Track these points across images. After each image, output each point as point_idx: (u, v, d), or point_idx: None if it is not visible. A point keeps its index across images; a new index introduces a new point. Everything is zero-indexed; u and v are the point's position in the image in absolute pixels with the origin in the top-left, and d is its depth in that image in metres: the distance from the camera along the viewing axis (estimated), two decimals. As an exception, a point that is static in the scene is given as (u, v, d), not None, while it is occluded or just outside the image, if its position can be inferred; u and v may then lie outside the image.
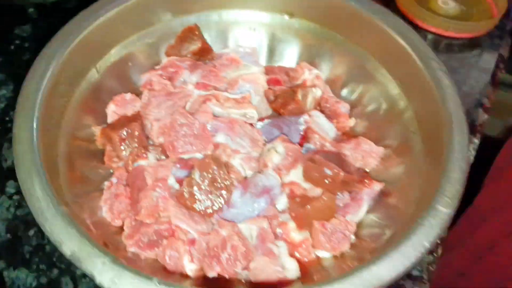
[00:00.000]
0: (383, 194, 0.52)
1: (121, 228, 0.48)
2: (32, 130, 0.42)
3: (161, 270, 0.46)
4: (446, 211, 0.38)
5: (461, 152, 0.42)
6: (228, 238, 0.45)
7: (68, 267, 0.50)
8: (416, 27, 0.77)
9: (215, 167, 0.48)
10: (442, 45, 0.76)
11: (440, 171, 0.42)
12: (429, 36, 0.77)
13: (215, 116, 0.53)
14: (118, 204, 0.48)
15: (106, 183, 0.51)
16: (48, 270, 0.50)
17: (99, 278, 0.34)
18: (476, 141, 0.64)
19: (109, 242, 0.45)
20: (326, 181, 0.49)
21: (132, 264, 0.44)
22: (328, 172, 0.49)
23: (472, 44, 0.77)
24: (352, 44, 0.58)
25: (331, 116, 0.59)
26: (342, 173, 0.49)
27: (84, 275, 0.49)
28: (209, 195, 0.47)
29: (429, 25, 0.77)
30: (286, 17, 0.61)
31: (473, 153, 0.63)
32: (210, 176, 0.48)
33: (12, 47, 0.71)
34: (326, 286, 0.35)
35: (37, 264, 0.50)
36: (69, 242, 0.35)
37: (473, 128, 0.65)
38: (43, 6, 0.75)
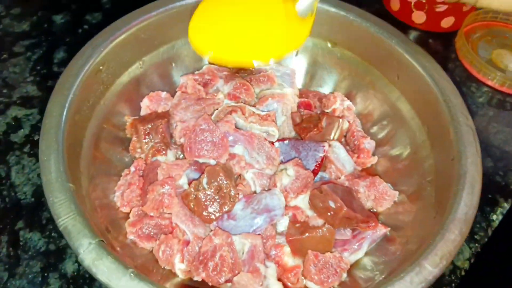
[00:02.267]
0: (386, 239, 0.51)
1: (127, 215, 0.51)
2: (64, 108, 0.46)
3: (153, 263, 0.48)
4: (432, 270, 0.37)
5: (465, 214, 0.41)
6: (219, 247, 0.46)
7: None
8: (471, 77, 0.74)
9: (222, 176, 0.49)
10: (495, 100, 0.73)
11: (439, 228, 0.40)
12: (484, 89, 0.74)
13: (237, 127, 0.55)
14: (129, 192, 0.51)
15: (126, 171, 0.54)
16: (58, 238, 0.54)
17: (81, 256, 0.36)
18: (507, 205, 0.60)
19: (111, 226, 0.48)
20: (329, 214, 0.49)
21: (127, 250, 0.47)
22: (332, 204, 0.49)
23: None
24: (389, 82, 0.58)
25: (354, 150, 0.58)
26: (345, 209, 0.48)
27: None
28: (213, 202, 0.49)
29: (485, 77, 0.74)
30: (329, 45, 0.62)
31: (500, 217, 0.59)
32: (216, 184, 0.49)
33: (80, 30, 0.78)
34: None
35: (50, 231, 0.54)
36: (65, 217, 0.38)
37: (505, 191, 0.62)
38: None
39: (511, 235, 0.64)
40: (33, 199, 0.57)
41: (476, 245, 0.57)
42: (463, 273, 0.55)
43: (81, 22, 0.78)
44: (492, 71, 0.73)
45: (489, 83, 0.74)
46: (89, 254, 0.36)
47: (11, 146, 0.62)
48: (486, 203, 0.60)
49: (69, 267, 0.52)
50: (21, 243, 0.53)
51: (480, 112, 0.71)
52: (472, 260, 0.56)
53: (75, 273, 0.51)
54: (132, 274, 0.36)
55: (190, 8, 0.58)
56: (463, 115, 0.48)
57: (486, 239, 0.57)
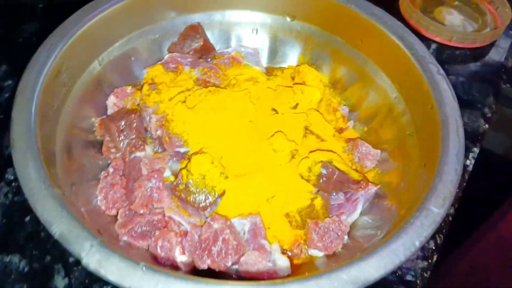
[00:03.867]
0: (378, 196, 0.52)
1: (115, 218, 0.49)
2: (31, 114, 0.42)
3: (152, 261, 0.46)
4: (438, 211, 0.38)
5: (456, 155, 0.42)
6: (220, 231, 0.45)
7: (61, 254, 0.50)
8: (419, 35, 0.77)
9: (211, 162, 0.48)
10: (445, 55, 0.76)
11: (434, 172, 0.42)
12: (433, 46, 0.77)
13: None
14: (113, 194, 0.49)
15: (103, 173, 0.51)
16: (42, 256, 0.50)
17: (86, 260, 0.34)
18: (476, 149, 0.64)
19: (103, 231, 0.45)
20: (321, 180, 0.49)
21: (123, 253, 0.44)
22: (323, 171, 0.49)
23: (475, 54, 0.77)
24: (352, 47, 0.59)
25: (330, 117, 0.59)
26: (337, 172, 0.49)
27: (77, 263, 0.49)
28: (204, 188, 0.48)
29: (432, 34, 0.77)
30: (288, 19, 0.62)
31: (472, 161, 0.62)
32: (204, 169, 0.48)
33: (20, 39, 0.72)
34: (314, 280, 0.35)
35: (31, 250, 0.50)
36: (59, 223, 0.35)
37: (474, 137, 0.65)
38: (51, 4, 0.76)
39: (486, 174, 0.68)
40: (4, 220, 0.52)
41: (457, 190, 0.59)
42: (450, 218, 0.57)
43: (18, 32, 0.73)
44: (439, 28, 0.76)
45: (437, 39, 0.77)
46: (93, 256, 0.34)
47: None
48: (458, 151, 0.63)
49: (59, 283, 0.48)
50: (0, 269, 0.49)
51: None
52: (456, 205, 0.58)
53: (68, 288, 0.48)
54: (144, 268, 0.34)
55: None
56: (433, 65, 0.50)
57: (464, 184, 0.60)
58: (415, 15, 0.78)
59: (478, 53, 0.78)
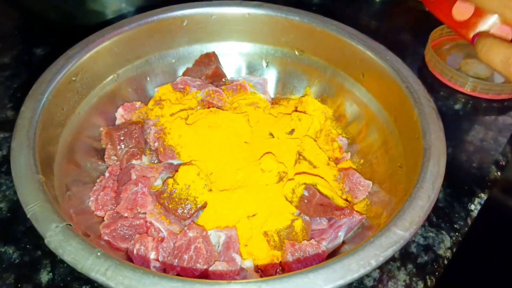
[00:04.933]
0: (363, 226, 0.51)
1: (102, 219, 0.51)
2: (37, 111, 0.47)
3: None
4: (402, 234, 0.37)
5: (432, 183, 0.41)
6: (194, 239, 0.46)
7: (51, 251, 0.52)
8: (444, 85, 0.77)
9: (197, 173, 0.50)
10: (468, 104, 0.75)
11: (408, 197, 0.41)
12: (457, 95, 0.76)
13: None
14: (103, 195, 0.51)
15: (100, 177, 0.54)
16: (33, 250, 0.53)
17: (48, 239, 0.36)
18: (484, 195, 0.61)
19: (89, 231, 0.48)
20: (304, 201, 0.49)
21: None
22: (305, 192, 0.49)
23: (501, 106, 0.75)
24: (355, 81, 0.60)
25: (328, 147, 0.59)
26: (318, 195, 0.49)
27: (62, 261, 0.51)
28: (187, 198, 0.49)
29: (456, 84, 0.76)
30: (297, 53, 0.65)
31: (478, 207, 0.59)
32: (190, 180, 0.50)
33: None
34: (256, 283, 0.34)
35: (26, 244, 0.53)
36: (33, 205, 0.38)
37: (482, 183, 0.62)
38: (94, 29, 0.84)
39: (491, 224, 0.64)
40: (9, 214, 0.56)
41: (457, 234, 0.56)
42: (445, 262, 0.54)
43: (60, 54, 0.81)
44: (463, 77, 0.75)
45: (461, 89, 0.76)
46: (55, 236, 0.36)
47: (-11, 166, 0.62)
48: (464, 194, 0.61)
49: (43, 277, 0.50)
50: (-6, 257, 0.52)
51: (453, 114, 0.73)
52: (454, 249, 0.55)
53: (50, 283, 0.50)
54: (99, 253, 0.35)
55: (162, 23, 0.61)
56: (425, 98, 0.50)
57: (466, 229, 0.57)
58: (439, 64, 0.78)
59: (505, 105, 0.75)
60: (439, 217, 0.58)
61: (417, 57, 0.84)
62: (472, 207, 0.59)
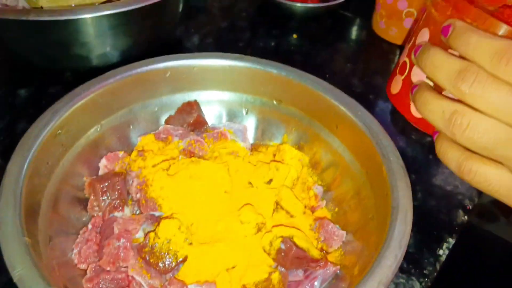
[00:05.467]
0: (337, 277, 0.53)
1: (85, 272, 0.52)
2: (23, 168, 0.48)
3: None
4: (370, 295, 0.40)
5: (399, 241, 0.44)
6: (173, 294, 0.47)
7: None
8: (415, 129, 0.81)
9: (178, 227, 0.52)
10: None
11: (376, 257, 0.44)
12: (428, 139, 0.80)
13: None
14: (86, 249, 0.53)
15: (84, 228, 0.56)
16: None
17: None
18: (451, 240, 0.64)
19: (70, 284, 0.49)
20: (281, 254, 0.52)
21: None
22: (282, 246, 0.52)
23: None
24: (330, 132, 0.63)
25: (304, 196, 0.62)
26: (294, 249, 0.51)
27: None
28: (168, 252, 0.51)
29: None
30: (275, 102, 0.68)
31: (446, 252, 0.63)
32: (172, 234, 0.52)
33: (44, 102, 0.82)
34: None
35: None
36: (20, 269, 0.39)
37: (450, 228, 0.66)
38: (79, 71, 0.86)
39: (459, 267, 0.68)
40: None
41: (426, 279, 0.59)
42: (415, 308, 0.57)
43: (44, 95, 0.83)
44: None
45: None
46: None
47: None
48: (433, 239, 0.64)
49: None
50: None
51: (423, 158, 0.77)
52: (424, 296, 0.58)
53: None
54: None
55: (146, 74, 0.63)
56: (394, 155, 0.53)
57: (435, 274, 0.60)
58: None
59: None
60: (409, 263, 0.61)
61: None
62: (441, 252, 0.63)
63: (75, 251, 0.53)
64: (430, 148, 0.79)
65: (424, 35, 0.59)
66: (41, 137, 0.52)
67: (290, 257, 0.51)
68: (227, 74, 0.67)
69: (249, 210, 0.55)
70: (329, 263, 0.53)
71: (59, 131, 0.55)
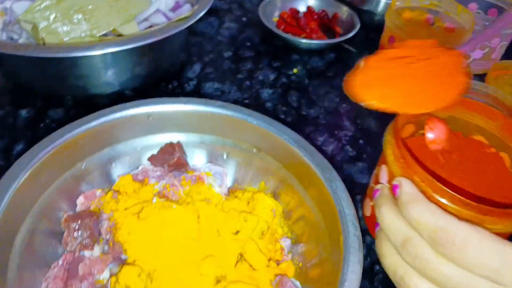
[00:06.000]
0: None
1: (51, 307, 0.55)
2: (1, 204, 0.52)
3: None
4: None
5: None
6: None
7: None
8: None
9: (138, 274, 0.54)
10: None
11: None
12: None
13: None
14: (53, 285, 0.56)
15: (55, 263, 0.59)
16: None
17: None
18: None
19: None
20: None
21: None
22: (235, 303, 0.54)
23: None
24: (303, 188, 0.65)
25: (271, 247, 0.64)
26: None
27: None
28: (128, 297, 0.54)
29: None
30: (255, 150, 0.69)
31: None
32: (132, 281, 0.54)
33: (42, 124, 0.86)
34: None
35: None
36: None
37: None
38: (79, 97, 0.90)
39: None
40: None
41: None
42: None
43: (44, 117, 0.87)
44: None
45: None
46: None
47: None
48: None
49: None
50: None
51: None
52: None
53: None
54: None
55: (129, 118, 0.66)
56: (353, 225, 0.54)
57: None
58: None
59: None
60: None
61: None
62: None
63: (43, 285, 0.57)
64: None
65: (383, 172, 0.58)
66: (19, 179, 0.56)
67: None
68: (209, 120, 0.69)
69: (210, 262, 0.57)
70: (282, 323, 0.54)
71: (41, 171, 0.58)
